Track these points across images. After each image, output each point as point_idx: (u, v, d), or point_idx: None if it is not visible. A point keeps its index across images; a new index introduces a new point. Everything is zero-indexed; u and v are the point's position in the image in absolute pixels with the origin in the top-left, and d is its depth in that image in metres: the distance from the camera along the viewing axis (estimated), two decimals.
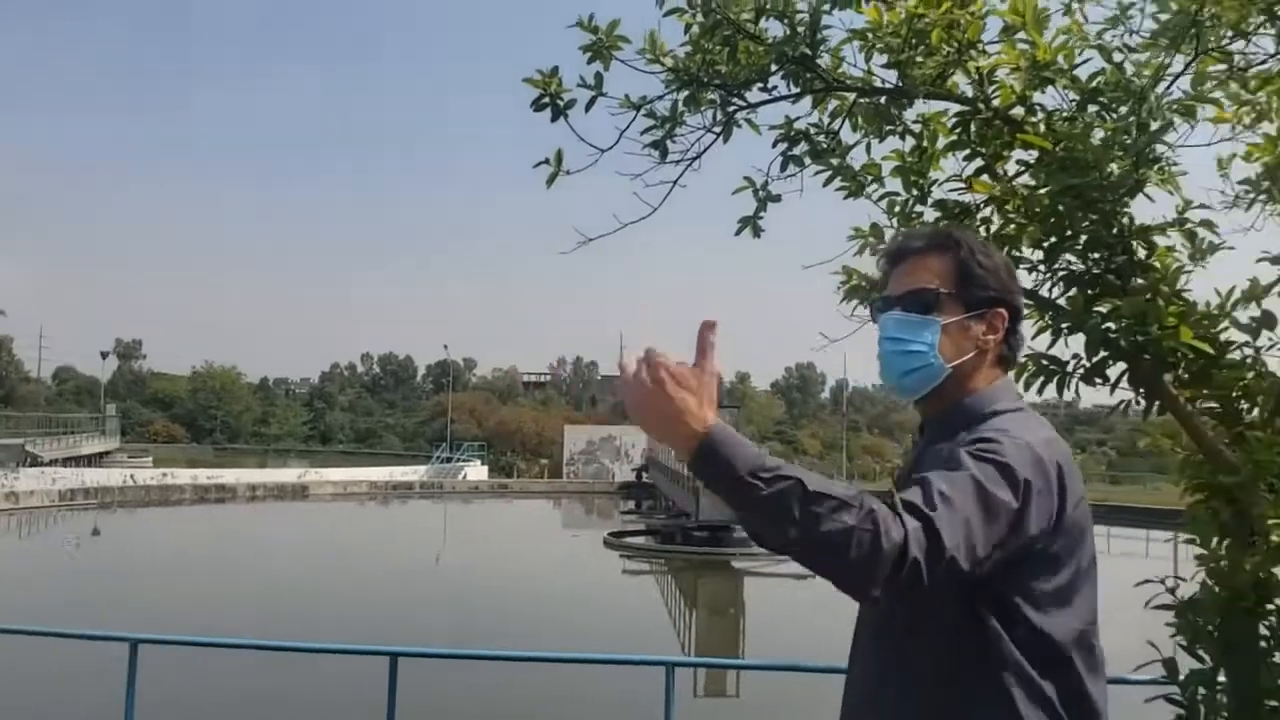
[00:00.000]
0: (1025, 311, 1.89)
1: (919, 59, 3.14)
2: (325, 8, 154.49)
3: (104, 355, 77.69)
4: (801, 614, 20.25)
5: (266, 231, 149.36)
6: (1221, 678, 2.94)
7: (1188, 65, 3.09)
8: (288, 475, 44.14)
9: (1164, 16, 3.10)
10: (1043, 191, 3.03)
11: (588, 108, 3.53)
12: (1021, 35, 3.14)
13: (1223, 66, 3.32)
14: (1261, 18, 3.05)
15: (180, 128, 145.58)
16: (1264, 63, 3.34)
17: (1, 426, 59.90)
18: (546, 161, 3.50)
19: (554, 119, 3.51)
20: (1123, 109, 2.95)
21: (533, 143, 3.80)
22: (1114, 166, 2.89)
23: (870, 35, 3.30)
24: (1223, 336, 3.25)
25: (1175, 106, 2.96)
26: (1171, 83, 3.04)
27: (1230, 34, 3.11)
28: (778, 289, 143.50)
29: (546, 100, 3.49)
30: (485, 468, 54.24)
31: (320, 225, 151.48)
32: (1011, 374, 1.85)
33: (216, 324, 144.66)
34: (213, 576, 21.16)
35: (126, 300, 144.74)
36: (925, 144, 3.64)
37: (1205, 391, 3.23)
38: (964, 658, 1.62)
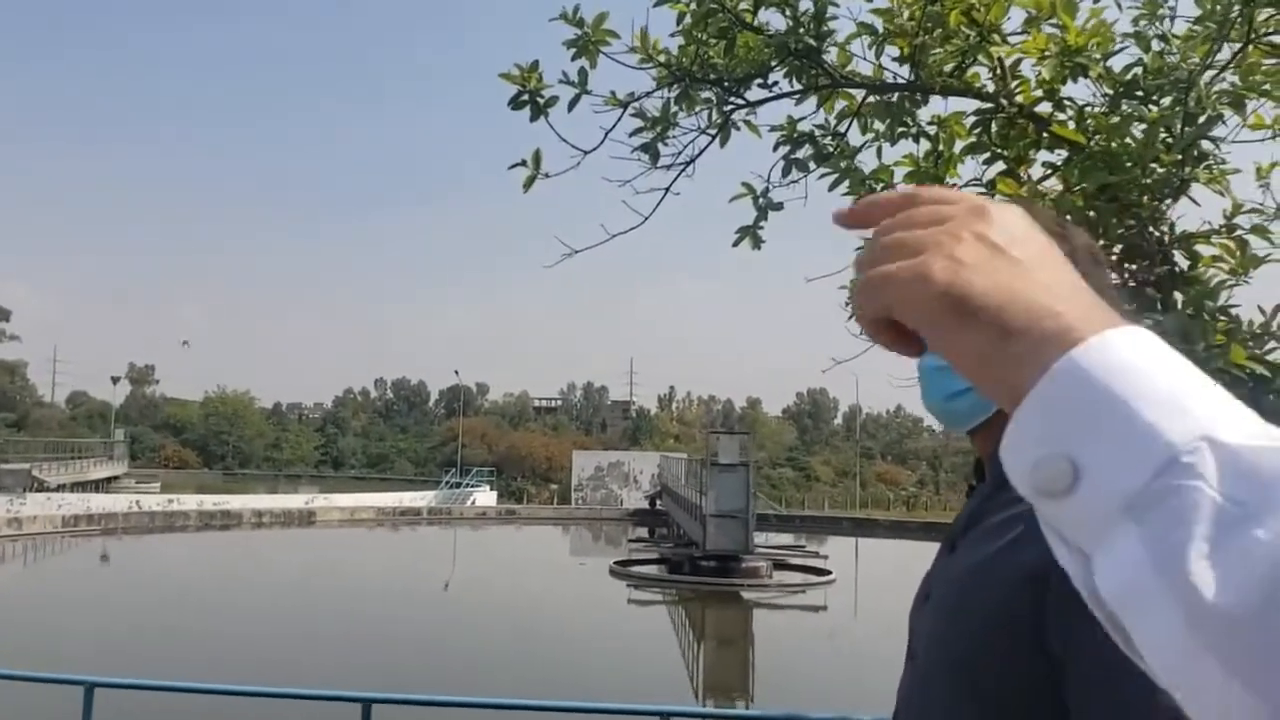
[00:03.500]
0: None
1: (935, 47, 2.82)
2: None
3: (115, 380, 77.52)
4: (811, 646, 19.83)
5: (278, 258, 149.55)
6: None
7: (1235, 56, 2.77)
8: (294, 501, 43.63)
9: (1209, 4, 2.79)
10: (1075, 192, 2.70)
11: (571, 106, 3.22)
12: (1051, 21, 2.83)
13: (1272, 61, 3.01)
14: None
15: (185, 157, 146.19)
16: None
17: (11, 451, 59.80)
18: (524, 163, 3.18)
19: (533, 118, 3.20)
20: (1165, 100, 2.63)
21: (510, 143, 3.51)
22: (1156, 165, 2.57)
23: (882, 23, 2.99)
24: (1269, 357, 2.94)
25: (1224, 98, 2.64)
26: (1219, 73, 2.72)
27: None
28: (789, 308, 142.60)
29: (525, 98, 3.19)
30: (494, 493, 53.74)
31: (339, 252, 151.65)
32: None
33: (230, 350, 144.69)
34: (200, 609, 20.75)
35: (141, 325, 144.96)
36: (941, 147, 3.33)
37: None
38: None
